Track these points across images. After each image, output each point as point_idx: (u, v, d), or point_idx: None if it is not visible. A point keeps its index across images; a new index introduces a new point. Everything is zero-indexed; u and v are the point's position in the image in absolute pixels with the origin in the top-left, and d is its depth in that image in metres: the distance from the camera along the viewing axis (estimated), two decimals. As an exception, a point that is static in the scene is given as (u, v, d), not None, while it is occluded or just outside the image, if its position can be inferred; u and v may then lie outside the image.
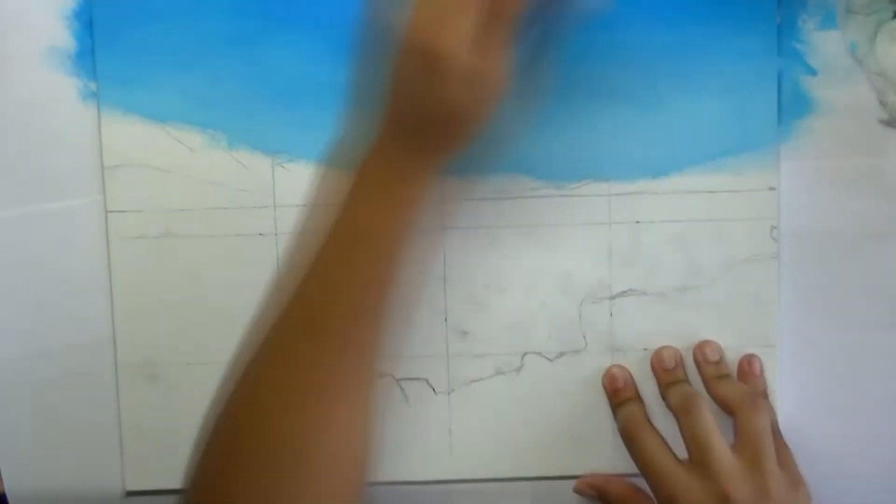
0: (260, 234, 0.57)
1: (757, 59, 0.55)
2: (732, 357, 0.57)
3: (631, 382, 0.57)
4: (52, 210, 0.56)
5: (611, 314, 0.57)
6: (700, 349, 0.57)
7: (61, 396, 0.58)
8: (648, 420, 0.55)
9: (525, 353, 0.57)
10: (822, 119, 0.56)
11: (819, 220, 0.57)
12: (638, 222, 0.56)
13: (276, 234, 0.56)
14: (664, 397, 0.56)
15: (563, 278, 0.57)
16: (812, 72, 0.56)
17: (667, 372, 0.56)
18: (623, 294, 0.57)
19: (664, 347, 0.57)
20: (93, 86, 0.56)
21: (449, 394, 0.58)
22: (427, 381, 0.58)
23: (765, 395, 0.57)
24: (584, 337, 0.57)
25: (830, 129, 0.56)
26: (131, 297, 0.57)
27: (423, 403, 0.58)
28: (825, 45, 0.55)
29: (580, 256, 0.57)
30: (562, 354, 0.57)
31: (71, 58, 0.55)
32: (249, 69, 0.55)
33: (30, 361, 0.57)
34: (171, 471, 0.57)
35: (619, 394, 0.57)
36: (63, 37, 0.55)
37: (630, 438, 0.54)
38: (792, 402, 0.57)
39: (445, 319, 0.57)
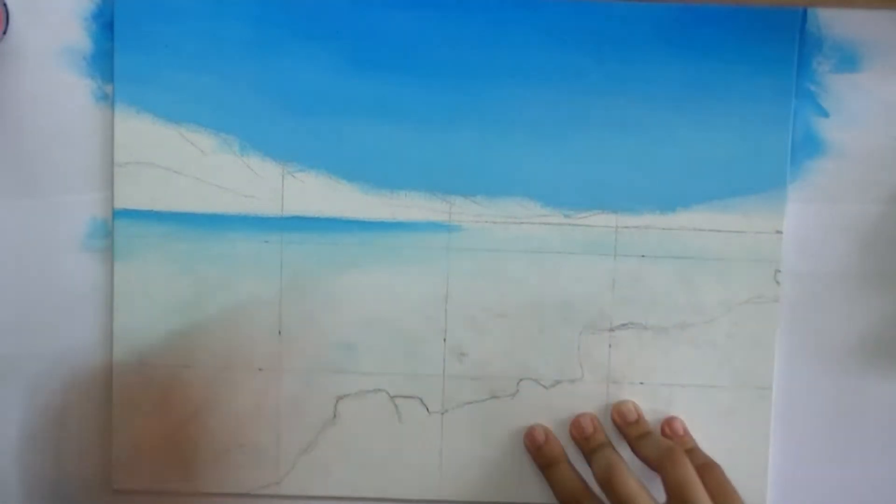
0: (265, 242, 0.57)
1: (773, 101, 0.55)
2: (728, 397, 0.57)
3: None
4: (57, 204, 0.56)
5: (609, 346, 0.57)
6: (617, 411, 0.57)
7: (54, 392, 0.58)
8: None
9: (521, 379, 0.57)
10: (831, 162, 0.56)
11: (821, 264, 0.57)
12: (643, 256, 0.56)
13: (281, 243, 0.57)
14: (589, 464, 0.55)
15: (564, 306, 0.57)
16: (824, 113, 0.56)
17: (586, 440, 0.56)
18: (623, 326, 0.57)
19: (581, 415, 0.57)
20: (107, 88, 0.56)
21: (442, 414, 0.58)
22: (421, 400, 0.58)
23: (693, 447, 0.56)
24: (581, 367, 0.57)
25: (839, 173, 0.56)
26: (131, 295, 0.57)
27: (415, 422, 0.58)
28: (839, 87, 0.56)
29: (583, 286, 0.57)
30: (558, 383, 0.57)
31: (86, 59, 0.55)
32: (266, 76, 0.56)
33: (25, 355, 0.57)
34: (159, 472, 0.58)
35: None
36: (79, 38, 0.55)
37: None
38: (784, 446, 0.57)
39: (444, 339, 0.57)
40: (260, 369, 0.57)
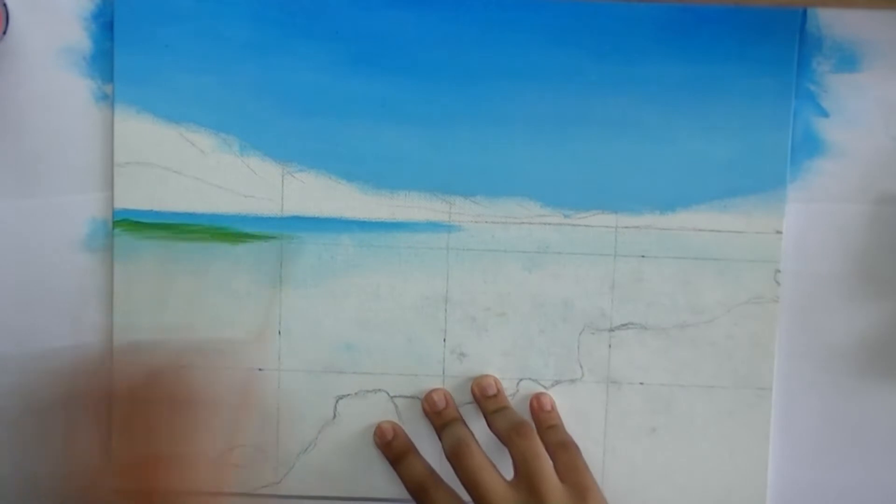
0: (265, 242, 0.57)
1: (773, 101, 0.55)
2: (728, 398, 0.57)
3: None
4: (57, 204, 0.56)
5: (609, 346, 0.57)
6: (477, 384, 0.57)
7: (55, 391, 0.57)
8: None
9: (521, 380, 0.57)
10: (831, 162, 0.56)
11: (821, 264, 0.57)
12: (643, 256, 0.56)
13: (281, 243, 0.57)
14: (490, 424, 0.56)
15: (564, 307, 0.57)
16: (824, 114, 0.56)
17: (438, 414, 0.57)
18: (623, 327, 0.57)
19: (434, 390, 0.57)
20: (107, 88, 0.56)
21: (442, 414, 0.58)
22: (421, 400, 0.58)
23: (555, 425, 0.56)
24: (581, 367, 0.57)
25: (839, 173, 0.56)
26: (131, 295, 0.57)
27: (416, 422, 0.58)
28: (839, 87, 0.55)
29: (583, 286, 0.57)
30: (557, 383, 0.57)
31: (86, 59, 0.55)
32: (266, 76, 0.56)
33: (25, 355, 0.57)
34: (159, 471, 0.58)
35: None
36: (79, 38, 0.55)
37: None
38: (785, 447, 0.57)
39: (444, 340, 0.57)
40: (260, 369, 0.57)
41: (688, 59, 0.55)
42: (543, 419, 0.56)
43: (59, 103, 0.56)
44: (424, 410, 0.57)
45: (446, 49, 0.55)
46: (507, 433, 0.54)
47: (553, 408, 0.57)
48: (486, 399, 0.56)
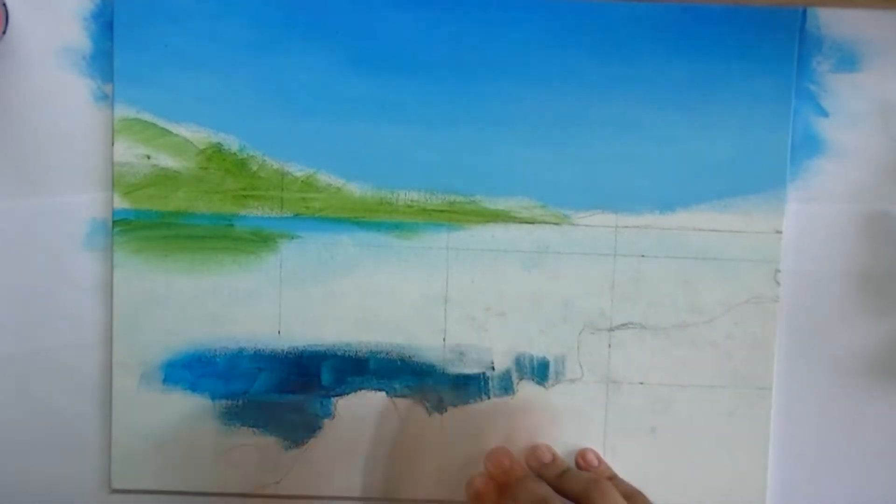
0: (265, 242, 0.57)
1: (773, 101, 0.55)
2: (728, 398, 0.57)
3: (518, 461, 0.56)
4: (57, 204, 0.56)
5: (609, 345, 0.57)
6: (532, 454, 0.56)
7: (54, 392, 0.58)
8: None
9: (521, 380, 0.57)
10: (831, 161, 0.56)
11: (821, 264, 0.57)
12: (643, 256, 0.57)
13: (281, 243, 0.57)
14: (559, 489, 0.52)
15: (564, 306, 0.57)
16: (824, 113, 0.56)
17: (547, 466, 0.55)
18: (623, 326, 0.57)
19: (536, 446, 0.56)
20: (106, 88, 0.56)
21: (442, 414, 0.58)
22: (421, 400, 0.58)
23: (614, 475, 0.56)
24: (581, 366, 0.57)
25: (839, 172, 0.56)
26: (130, 295, 0.57)
27: (415, 422, 0.58)
28: (839, 87, 0.56)
29: (583, 286, 0.57)
30: (558, 383, 0.57)
31: (86, 59, 0.56)
32: (266, 76, 0.56)
33: (25, 354, 0.57)
34: (158, 471, 0.58)
35: (508, 473, 0.55)
36: (79, 37, 0.55)
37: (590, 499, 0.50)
38: (784, 446, 0.57)
39: (444, 339, 0.57)
40: (260, 369, 0.57)
41: (688, 59, 0.55)
42: (601, 472, 0.56)
43: (59, 103, 0.56)
44: (487, 469, 0.55)
45: (446, 49, 0.55)
46: (585, 491, 0.50)
47: (601, 460, 0.57)
48: (544, 467, 0.55)
